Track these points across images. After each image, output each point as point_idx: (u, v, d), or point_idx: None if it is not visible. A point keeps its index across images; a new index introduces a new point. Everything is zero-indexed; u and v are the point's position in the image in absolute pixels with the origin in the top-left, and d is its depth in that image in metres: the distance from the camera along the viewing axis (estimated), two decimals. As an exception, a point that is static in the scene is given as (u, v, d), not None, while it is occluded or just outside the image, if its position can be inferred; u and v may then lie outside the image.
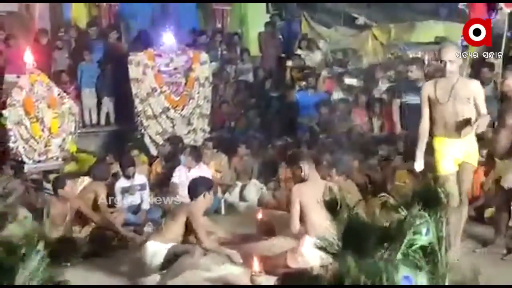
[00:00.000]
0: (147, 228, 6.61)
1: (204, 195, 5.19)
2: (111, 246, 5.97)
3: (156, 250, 4.99)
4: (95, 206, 6.42)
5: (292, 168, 5.29)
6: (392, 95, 8.63)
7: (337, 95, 9.51)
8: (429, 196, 2.85)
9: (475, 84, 5.13)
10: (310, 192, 4.84)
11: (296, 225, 5.01)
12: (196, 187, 5.27)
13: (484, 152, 6.68)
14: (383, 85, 9.25)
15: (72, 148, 8.44)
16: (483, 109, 4.96)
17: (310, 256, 4.61)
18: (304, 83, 9.71)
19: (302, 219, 4.98)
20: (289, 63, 10.63)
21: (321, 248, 2.51)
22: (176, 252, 4.95)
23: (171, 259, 4.91)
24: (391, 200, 3.25)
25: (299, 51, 11.05)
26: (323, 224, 4.24)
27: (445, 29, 10.50)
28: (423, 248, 2.50)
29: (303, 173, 5.10)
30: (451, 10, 11.84)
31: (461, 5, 11.77)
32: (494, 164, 5.88)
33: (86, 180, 7.08)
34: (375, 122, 8.92)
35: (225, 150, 8.83)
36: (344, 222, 2.45)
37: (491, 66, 8.03)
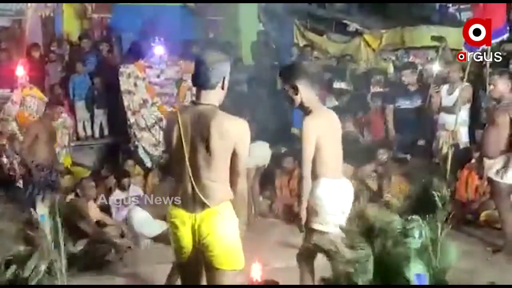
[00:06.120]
0: (144, 241, 6.55)
1: None
2: (106, 259, 5.92)
3: (143, 219, 4.62)
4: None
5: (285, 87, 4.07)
6: (385, 101, 8.62)
7: (330, 102, 9.41)
8: (424, 200, 2.84)
9: None
10: (325, 126, 4.05)
11: (308, 167, 3.98)
12: None
13: (477, 155, 6.70)
14: (375, 91, 9.21)
15: (66, 161, 8.39)
16: None
17: (329, 200, 3.95)
18: None
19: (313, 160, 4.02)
20: None
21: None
22: None
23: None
24: (395, 200, 3.25)
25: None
26: (338, 164, 3.96)
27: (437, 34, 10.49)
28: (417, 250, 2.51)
29: (298, 95, 3.99)
30: (443, 15, 11.88)
31: (452, 9, 11.83)
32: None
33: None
34: (367, 127, 8.91)
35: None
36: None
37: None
